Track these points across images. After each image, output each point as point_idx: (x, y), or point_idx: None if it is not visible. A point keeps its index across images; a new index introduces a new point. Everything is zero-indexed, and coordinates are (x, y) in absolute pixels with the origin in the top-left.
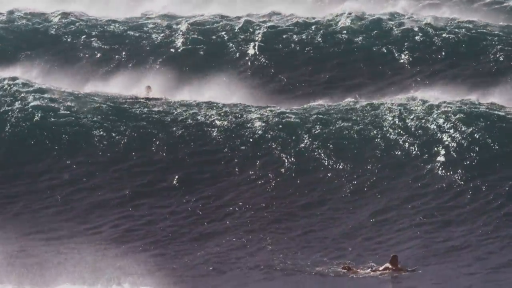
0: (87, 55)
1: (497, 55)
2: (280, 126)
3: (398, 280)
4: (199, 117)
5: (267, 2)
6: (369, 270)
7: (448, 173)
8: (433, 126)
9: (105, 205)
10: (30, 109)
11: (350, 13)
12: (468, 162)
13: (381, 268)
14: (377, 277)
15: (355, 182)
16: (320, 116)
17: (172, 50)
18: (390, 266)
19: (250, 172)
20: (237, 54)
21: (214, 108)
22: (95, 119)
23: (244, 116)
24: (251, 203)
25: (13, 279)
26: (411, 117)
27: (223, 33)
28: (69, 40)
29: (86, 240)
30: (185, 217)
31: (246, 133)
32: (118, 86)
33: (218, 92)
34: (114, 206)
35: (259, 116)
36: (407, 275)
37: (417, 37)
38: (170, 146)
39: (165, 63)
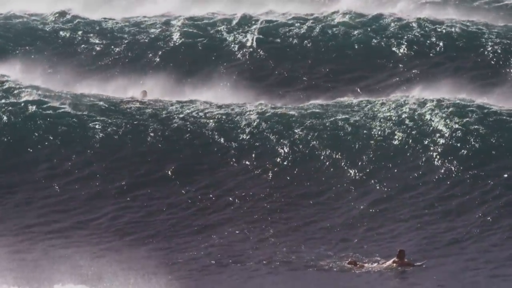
0: (82, 56)
1: (495, 50)
2: (276, 118)
3: (403, 276)
4: (194, 111)
5: (263, 3)
6: (375, 264)
7: (445, 163)
8: (428, 117)
9: (103, 196)
10: (22, 104)
11: (349, 11)
12: (464, 152)
13: (387, 263)
14: (383, 273)
15: (352, 172)
16: (316, 110)
17: (169, 49)
18: (397, 261)
19: (247, 163)
20: (235, 48)
21: (209, 102)
22: (90, 114)
23: (240, 109)
24: (250, 193)
25: (9, 278)
26: (407, 109)
27: (220, 28)
28: (65, 39)
29: (85, 233)
30: (185, 208)
31: (242, 125)
32: (114, 88)
33: (216, 92)
34: (112, 196)
35: (254, 108)
36: (412, 270)
37: (414, 32)
38: (166, 137)
39: (162, 63)
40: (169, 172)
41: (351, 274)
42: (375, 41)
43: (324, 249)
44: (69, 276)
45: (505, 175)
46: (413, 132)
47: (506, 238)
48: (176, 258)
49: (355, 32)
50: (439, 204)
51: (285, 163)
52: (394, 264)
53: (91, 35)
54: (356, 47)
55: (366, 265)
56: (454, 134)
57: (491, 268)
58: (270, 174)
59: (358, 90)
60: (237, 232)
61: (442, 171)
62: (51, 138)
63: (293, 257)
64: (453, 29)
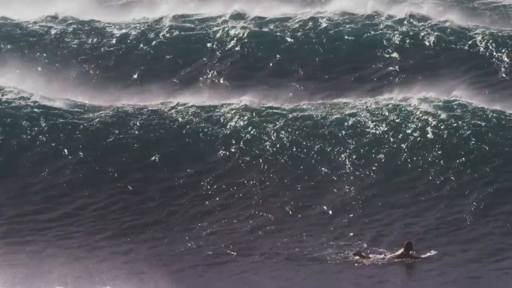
0: (70, 63)
1: (485, 46)
2: (264, 109)
3: (408, 270)
4: (181, 103)
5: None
6: (382, 256)
7: (435, 151)
8: (416, 108)
9: (94, 182)
10: (9, 99)
11: (341, 11)
12: (454, 140)
13: (394, 255)
14: (388, 266)
15: (343, 157)
16: (304, 106)
17: (162, 52)
18: (404, 253)
19: (237, 150)
20: (227, 42)
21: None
22: (79, 109)
23: (225, 100)
24: (243, 179)
25: (7, 277)
26: (395, 101)
27: (211, 23)
28: (59, 44)
29: (82, 223)
30: (180, 195)
31: (230, 114)
32: (106, 97)
33: (210, 90)
34: (103, 183)
35: (243, 99)
36: (417, 263)
37: (407, 27)
38: (153, 126)
39: (157, 66)
40: (159, 158)
41: (355, 268)
42: (368, 35)
43: (325, 238)
44: (69, 273)
45: (496, 162)
46: (401, 121)
47: (501, 226)
48: (178, 248)
49: (347, 27)
50: (433, 189)
51: (273, 149)
52: (401, 257)
53: (84, 39)
54: (348, 41)
55: (371, 256)
56: (441, 124)
57: (493, 261)
58: (260, 160)
59: (352, 79)
60: (235, 221)
61: (431, 158)
62: (34, 128)
63: (297, 249)
64: (444, 24)
